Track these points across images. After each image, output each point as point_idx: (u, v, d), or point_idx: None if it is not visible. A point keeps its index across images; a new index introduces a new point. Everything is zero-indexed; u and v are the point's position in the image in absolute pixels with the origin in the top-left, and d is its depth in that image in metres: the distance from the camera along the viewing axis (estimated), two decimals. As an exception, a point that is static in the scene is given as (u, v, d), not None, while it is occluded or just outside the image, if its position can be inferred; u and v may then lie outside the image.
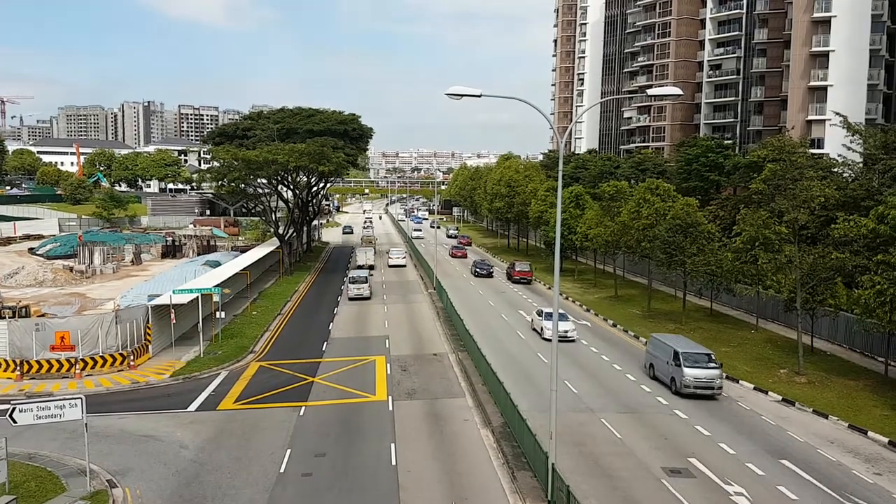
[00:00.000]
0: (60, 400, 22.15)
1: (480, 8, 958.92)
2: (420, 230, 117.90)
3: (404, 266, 79.64)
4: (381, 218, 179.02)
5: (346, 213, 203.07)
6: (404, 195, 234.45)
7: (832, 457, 25.47)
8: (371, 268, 73.41)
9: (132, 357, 36.39)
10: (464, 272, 74.95)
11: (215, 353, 39.28)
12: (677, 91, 20.40)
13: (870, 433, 27.70)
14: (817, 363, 37.49)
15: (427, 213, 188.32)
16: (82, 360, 35.20)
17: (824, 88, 68.23)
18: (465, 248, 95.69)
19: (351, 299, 58.24)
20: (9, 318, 39.40)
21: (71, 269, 69.75)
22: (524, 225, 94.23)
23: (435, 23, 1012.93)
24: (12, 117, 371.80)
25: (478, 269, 72.37)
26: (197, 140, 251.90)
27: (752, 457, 25.29)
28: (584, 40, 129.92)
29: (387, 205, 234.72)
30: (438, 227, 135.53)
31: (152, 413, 29.84)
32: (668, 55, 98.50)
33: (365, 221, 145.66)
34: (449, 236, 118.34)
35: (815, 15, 67.89)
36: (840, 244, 35.96)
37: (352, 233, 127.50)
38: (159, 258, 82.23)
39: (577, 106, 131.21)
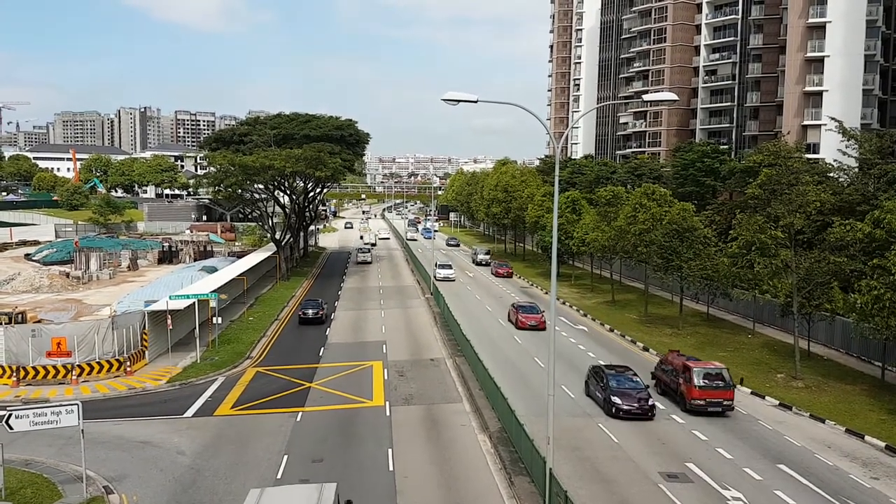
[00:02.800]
0: (57, 406, 22.04)
1: (477, 13, 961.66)
2: (450, 268, 72.51)
3: (388, 238, 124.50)
4: (376, 216, 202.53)
5: (343, 217, 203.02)
6: (401, 200, 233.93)
7: (829, 461, 25.49)
8: (373, 245, 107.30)
9: (129, 363, 36.30)
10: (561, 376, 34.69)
11: (212, 358, 39.20)
12: (673, 97, 20.46)
13: (867, 437, 27.74)
14: (814, 368, 37.54)
15: (436, 222, 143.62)
16: (78, 366, 35.08)
17: (819, 94, 68.48)
18: (522, 293, 64.02)
19: (357, 263, 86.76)
20: (5, 324, 39.29)
21: (67, 274, 69.58)
22: (521, 230, 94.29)
23: (432, 27, 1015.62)
24: (8, 123, 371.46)
25: (619, 402, 29.66)
26: (193, 146, 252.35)
27: (749, 462, 25.30)
28: (580, 46, 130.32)
29: (384, 210, 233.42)
30: (457, 245, 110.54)
31: (149, 419, 29.76)
32: (663, 61, 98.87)
33: (363, 220, 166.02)
34: (479, 262, 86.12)
35: (810, 20, 68.18)
36: (836, 249, 36.07)
37: (352, 227, 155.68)
38: (156, 264, 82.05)
39: (573, 111, 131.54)
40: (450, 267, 72.62)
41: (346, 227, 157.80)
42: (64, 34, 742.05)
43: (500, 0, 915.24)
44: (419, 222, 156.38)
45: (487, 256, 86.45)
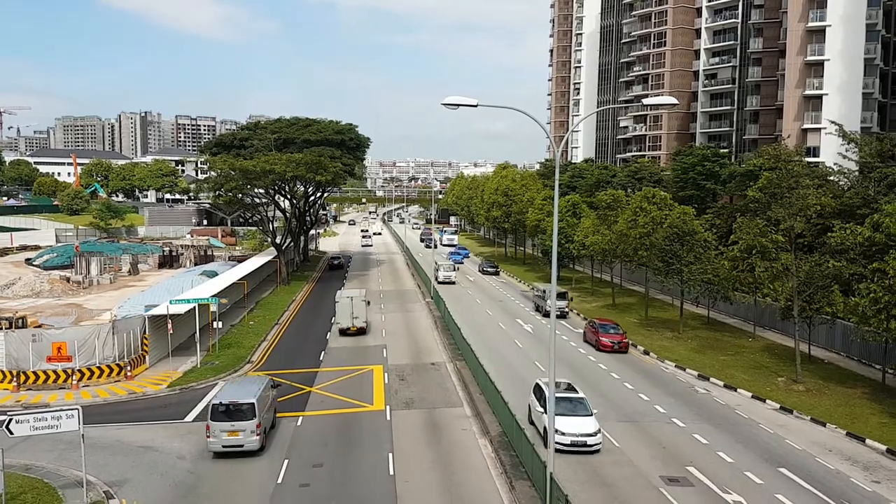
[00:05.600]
0: (57, 411, 22.01)
1: (478, 20, 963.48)
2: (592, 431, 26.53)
3: (380, 233, 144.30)
4: (377, 216, 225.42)
5: (343, 221, 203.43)
6: (401, 204, 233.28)
7: (830, 465, 25.46)
8: (377, 233, 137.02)
9: (129, 368, 36.29)
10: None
11: (212, 363, 39.18)
12: (673, 101, 20.47)
13: (868, 441, 27.71)
14: (815, 371, 37.52)
15: (455, 233, 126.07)
16: (79, 370, 35.09)
17: (819, 97, 68.56)
18: None
19: (362, 247, 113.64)
20: (5, 328, 39.31)
21: (68, 279, 69.65)
22: (521, 234, 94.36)
23: (433, 34, 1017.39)
24: (9, 128, 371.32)
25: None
26: (194, 150, 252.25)
27: (750, 465, 25.27)
28: (580, 50, 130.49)
29: (384, 215, 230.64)
30: (496, 272, 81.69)
31: (149, 424, 29.74)
32: (663, 65, 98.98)
33: (366, 218, 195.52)
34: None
35: (810, 24, 68.28)
36: (836, 252, 36.09)
37: (355, 224, 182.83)
38: (156, 268, 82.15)
39: (573, 115, 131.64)
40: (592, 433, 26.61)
41: (349, 224, 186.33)
42: (65, 41, 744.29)
43: (502, 6, 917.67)
44: (430, 233, 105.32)
45: (563, 303, 54.01)
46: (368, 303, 50.03)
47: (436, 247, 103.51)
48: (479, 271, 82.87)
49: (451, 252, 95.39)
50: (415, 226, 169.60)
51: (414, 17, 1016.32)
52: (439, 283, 69.36)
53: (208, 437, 25.76)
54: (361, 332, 47.77)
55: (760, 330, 47.92)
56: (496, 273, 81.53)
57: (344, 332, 47.59)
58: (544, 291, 55.52)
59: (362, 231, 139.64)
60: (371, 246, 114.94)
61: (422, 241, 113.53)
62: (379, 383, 35.96)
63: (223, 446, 25.57)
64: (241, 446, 25.60)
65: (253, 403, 25.73)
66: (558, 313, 52.25)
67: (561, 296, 53.31)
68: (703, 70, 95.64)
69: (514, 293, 67.43)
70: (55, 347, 34.86)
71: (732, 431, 28.93)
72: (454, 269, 75.02)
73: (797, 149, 61.59)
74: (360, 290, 53.74)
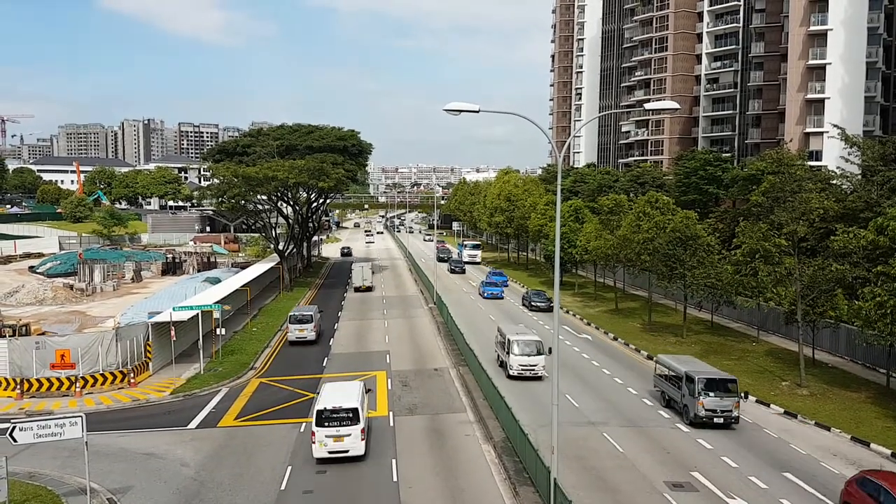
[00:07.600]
0: (61, 418, 21.99)
1: (478, 23, 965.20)
2: None
3: (382, 233, 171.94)
4: (383, 219, 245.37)
5: (346, 227, 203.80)
6: (403, 210, 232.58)
7: (835, 469, 25.36)
8: (379, 233, 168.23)
9: (132, 375, 36.33)
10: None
11: (215, 369, 39.21)
12: (675, 105, 20.50)
13: (872, 445, 27.59)
14: (819, 375, 37.40)
15: (477, 247, 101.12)
16: (82, 378, 35.14)
17: (822, 101, 68.47)
18: None
19: (367, 243, 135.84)
20: (9, 336, 39.38)
21: (71, 286, 69.75)
22: (524, 239, 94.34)
23: (434, 38, 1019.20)
24: (13, 136, 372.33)
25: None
26: (197, 157, 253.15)
27: (754, 470, 25.19)
28: (582, 55, 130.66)
29: (385, 222, 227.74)
30: (548, 306, 58.40)
31: (153, 431, 29.76)
32: (665, 69, 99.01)
33: (370, 221, 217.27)
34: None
35: (812, 28, 68.28)
36: (840, 256, 35.98)
37: (359, 226, 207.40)
38: (159, 275, 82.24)
39: (575, 120, 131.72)
40: None
41: (354, 226, 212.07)
42: (67, 48, 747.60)
43: (503, 10, 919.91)
44: (446, 250, 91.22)
45: (730, 402, 29.87)
46: (374, 272, 75.20)
47: (463, 271, 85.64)
48: (524, 305, 60.79)
49: (483, 282, 69.93)
50: (427, 237, 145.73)
51: (413, 21, 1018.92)
52: (511, 377, 37.04)
53: (287, 333, 47.96)
54: (369, 289, 70.85)
55: (764, 334, 47.80)
56: (549, 309, 57.38)
57: (357, 290, 70.61)
58: (687, 376, 30.49)
59: (366, 232, 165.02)
60: (373, 243, 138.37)
61: (440, 259, 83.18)
62: (382, 389, 35.92)
63: (296, 337, 46.49)
64: (306, 338, 46.51)
65: (311, 315, 47.67)
66: (721, 421, 29.76)
67: (723, 386, 30.12)
68: (705, 74, 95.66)
69: (612, 361, 42.36)
70: (59, 355, 34.87)
71: (736, 436, 28.82)
72: (539, 352, 37.02)
73: (799, 153, 61.59)
74: (368, 262, 79.26)
